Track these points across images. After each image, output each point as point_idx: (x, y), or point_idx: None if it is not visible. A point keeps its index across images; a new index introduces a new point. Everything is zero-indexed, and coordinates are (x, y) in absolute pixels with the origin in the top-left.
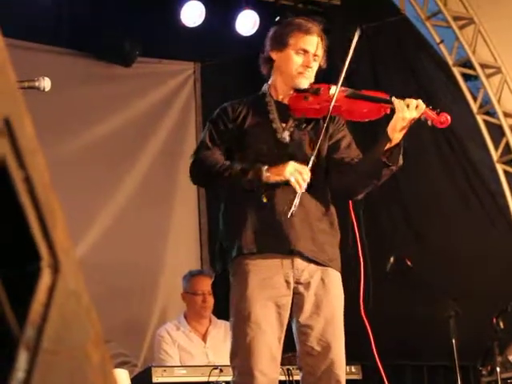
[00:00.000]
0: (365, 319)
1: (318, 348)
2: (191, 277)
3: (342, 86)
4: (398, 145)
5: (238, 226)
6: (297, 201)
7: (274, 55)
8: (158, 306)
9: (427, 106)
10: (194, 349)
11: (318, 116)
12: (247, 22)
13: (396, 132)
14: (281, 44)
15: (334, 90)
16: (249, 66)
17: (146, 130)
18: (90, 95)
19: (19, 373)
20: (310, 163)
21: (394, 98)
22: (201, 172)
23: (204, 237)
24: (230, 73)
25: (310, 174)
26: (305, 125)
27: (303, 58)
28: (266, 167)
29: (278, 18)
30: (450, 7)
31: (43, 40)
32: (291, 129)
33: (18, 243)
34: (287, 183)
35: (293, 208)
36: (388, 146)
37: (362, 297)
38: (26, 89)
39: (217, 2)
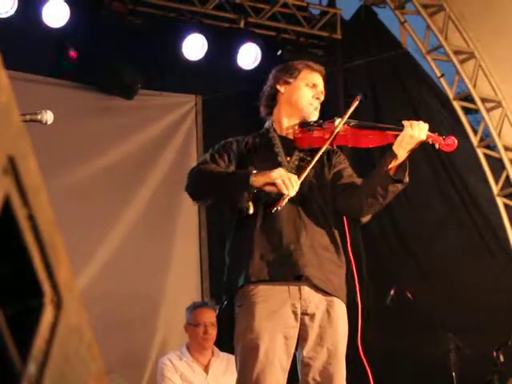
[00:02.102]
0: (363, 358)
1: (320, 379)
2: (194, 308)
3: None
4: (403, 163)
5: (245, 255)
6: (283, 203)
7: (281, 88)
8: (159, 337)
9: (434, 132)
10: (196, 380)
11: (323, 145)
12: (249, 56)
13: (401, 148)
14: (291, 77)
15: (338, 121)
16: (250, 99)
17: (147, 162)
18: (91, 128)
19: None
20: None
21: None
22: (196, 178)
23: (205, 267)
24: (232, 106)
25: (299, 184)
26: (309, 158)
27: (313, 91)
28: (254, 171)
29: (279, 52)
30: (450, 41)
31: (45, 73)
32: (296, 162)
33: (21, 279)
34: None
35: (278, 207)
36: (393, 164)
37: (359, 335)
38: (28, 122)
39: (218, 35)
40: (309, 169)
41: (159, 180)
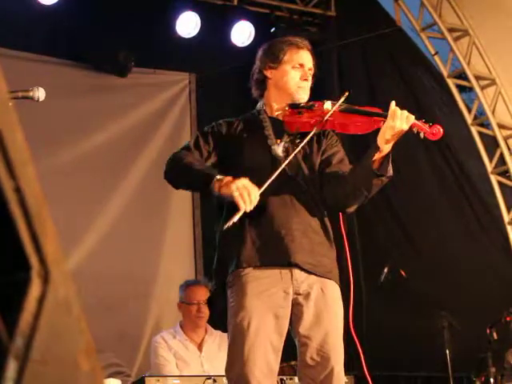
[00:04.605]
0: (353, 333)
1: (317, 358)
2: (187, 286)
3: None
4: (387, 155)
5: (236, 241)
6: (236, 218)
7: (268, 73)
8: (152, 316)
9: (420, 119)
10: (190, 357)
11: (311, 130)
12: (242, 33)
13: (384, 141)
14: (275, 61)
15: (328, 104)
16: (244, 76)
17: (140, 140)
18: (84, 105)
19: (8, 382)
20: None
21: (390, 106)
22: (173, 167)
23: (198, 246)
24: (225, 84)
25: (258, 197)
26: (299, 140)
27: (300, 72)
28: (218, 176)
29: (273, 30)
30: (444, 19)
31: (38, 50)
32: (286, 144)
33: (7, 252)
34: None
35: (229, 223)
36: (378, 156)
37: (351, 311)
38: (20, 99)
39: (212, 13)
40: (280, 170)
41: (153, 159)
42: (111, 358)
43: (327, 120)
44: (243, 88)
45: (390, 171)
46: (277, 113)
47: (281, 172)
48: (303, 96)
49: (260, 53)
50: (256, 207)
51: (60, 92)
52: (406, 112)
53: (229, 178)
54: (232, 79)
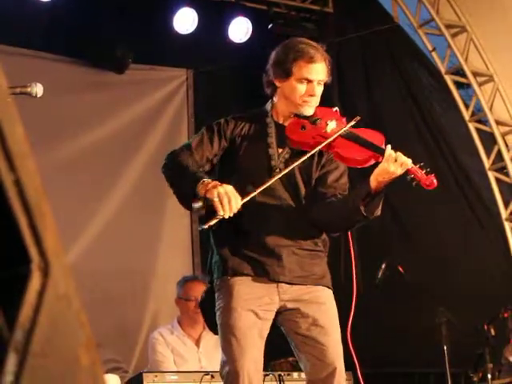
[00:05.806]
0: (348, 338)
1: (319, 357)
2: (185, 282)
3: (337, 105)
4: (378, 195)
5: (226, 249)
6: (213, 222)
7: (277, 82)
8: (150, 312)
9: (417, 163)
10: (188, 353)
11: (311, 150)
12: (240, 30)
13: (376, 181)
14: (284, 73)
15: (333, 124)
16: (241, 73)
17: (138, 136)
18: (82, 102)
19: (8, 376)
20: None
21: (387, 148)
22: (168, 163)
23: (196, 243)
24: (223, 80)
25: (239, 206)
26: (300, 154)
27: (307, 86)
28: (205, 180)
29: (270, 26)
30: (442, 15)
31: (36, 47)
32: (286, 155)
33: (8, 245)
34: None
35: (205, 226)
36: (369, 193)
37: (352, 311)
38: (18, 94)
39: (209, 9)
40: (266, 185)
41: (151, 154)
42: (109, 354)
43: (327, 143)
44: (240, 84)
45: (378, 212)
46: (282, 119)
47: (275, 184)
48: (308, 110)
49: (272, 57)
50: (250, 217)
51: (58, 88)
52: (402, 156)
53: (214, 182)
54: (229, 75)
